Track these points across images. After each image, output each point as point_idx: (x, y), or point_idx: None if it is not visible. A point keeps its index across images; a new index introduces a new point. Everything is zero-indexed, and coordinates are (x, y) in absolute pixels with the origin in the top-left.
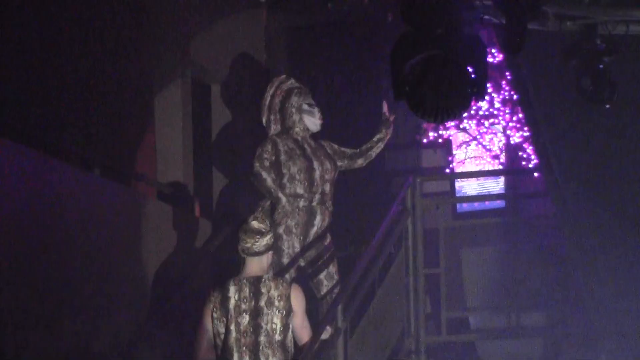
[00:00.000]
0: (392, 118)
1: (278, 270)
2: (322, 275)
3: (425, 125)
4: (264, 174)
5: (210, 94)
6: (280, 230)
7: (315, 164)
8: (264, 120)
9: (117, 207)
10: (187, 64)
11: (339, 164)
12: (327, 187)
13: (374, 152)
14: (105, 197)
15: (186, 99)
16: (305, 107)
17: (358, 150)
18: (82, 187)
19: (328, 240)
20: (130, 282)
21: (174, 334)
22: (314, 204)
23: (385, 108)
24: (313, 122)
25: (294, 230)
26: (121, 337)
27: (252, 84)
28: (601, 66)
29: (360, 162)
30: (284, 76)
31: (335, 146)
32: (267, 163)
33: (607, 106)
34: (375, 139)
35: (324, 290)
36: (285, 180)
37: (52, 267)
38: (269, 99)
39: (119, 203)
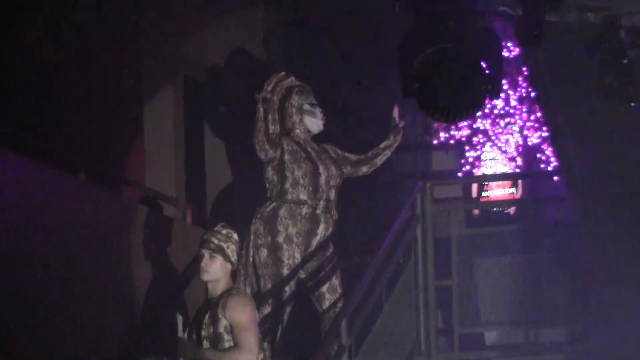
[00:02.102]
0: (401, 124)
1: (278, 283)
2: (324, 288)
3: (436, 125)
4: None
5: (203, 93)
6: (280, 239)
7: (321, 169)
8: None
9: (104, 213)
10: (179, 61)
11: (345, 172)
12: (332, 194)
13: (380, 160)
14: (91, 203)
15: (178, 99)
16: (306, 107)
17: (363, 157)
18: (66, 192)
19: (331, 250)
20: (118, 291)
21: (166, 347)
22: (318, 211)
23: (395, 113)
24: (315, 123)
25: (294, 239)
26: (112, 347)
27: (248, 82)
28: (626, 61)
29: (364, 169)
30: (283, 73)
31: (339, 151)
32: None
33: (633, 104)
34: (382, 145)
35: (327, 304)
36: (287, 184)
37: (37, 274)
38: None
39: (105, 209)
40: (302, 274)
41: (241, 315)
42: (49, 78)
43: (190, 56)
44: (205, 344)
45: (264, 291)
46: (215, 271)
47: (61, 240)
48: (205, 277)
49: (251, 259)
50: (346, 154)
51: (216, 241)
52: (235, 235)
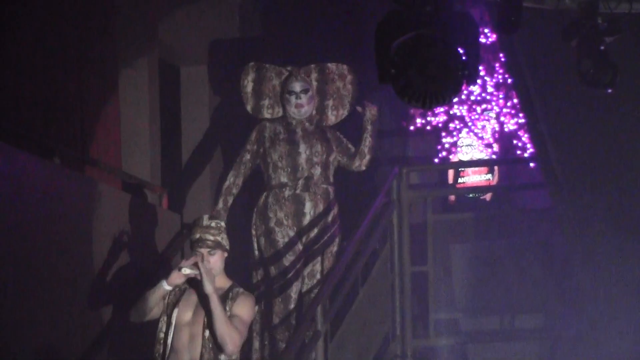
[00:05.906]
0: (373, 110)
1: (278, 261)
2: (305, 272)
3: (412, 111)
4: (230, 174)
5: (179, 76)
6: (272, 223)
7: (302, 147)
8: (249, 108)
9: (79, 198)
10: (155, 43)
11: (338, 158)
12: (316, 171)
13: (366, 148)
14: (66, 187)
15: (153, 82)
16: (286, 95)
17: (353, 150)
18: (41, 176)
19: (328, 234)
20: (93, 278)
21: (139, 336)
22: (298, 191)
23: (359, 109)
24: (290, 110)
25: (284, 222)
26: (84, 335)
27: (225, 65)
28: (602, 47)
29: (357, 163)
30: (253, 63)
31: (342, 137)
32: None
33: (609, 91)
34: (362, 137)
35: (304, 288)
36: (270, 170)
37: (7, 260)
38: (251, 85)
39: (80, 194)
40: (299, 248)
41: (248, 313)
42: (18, 57)
43: (166, 40)
44: (207, 333)
45: (272, 276)
46: (217, 266)
47: (35, 226)
48: (213, 274)
49: (256, 253)
50: (348, 145)
51: (212, 237)
52: (222, 224)
